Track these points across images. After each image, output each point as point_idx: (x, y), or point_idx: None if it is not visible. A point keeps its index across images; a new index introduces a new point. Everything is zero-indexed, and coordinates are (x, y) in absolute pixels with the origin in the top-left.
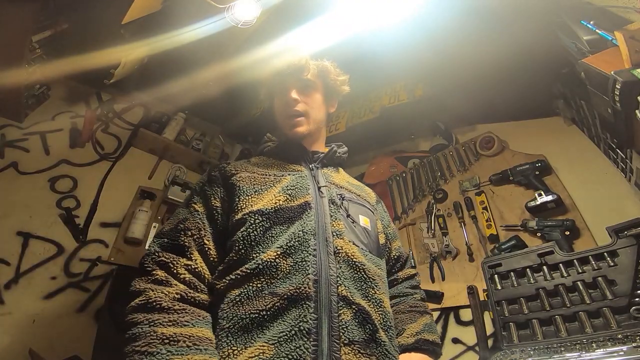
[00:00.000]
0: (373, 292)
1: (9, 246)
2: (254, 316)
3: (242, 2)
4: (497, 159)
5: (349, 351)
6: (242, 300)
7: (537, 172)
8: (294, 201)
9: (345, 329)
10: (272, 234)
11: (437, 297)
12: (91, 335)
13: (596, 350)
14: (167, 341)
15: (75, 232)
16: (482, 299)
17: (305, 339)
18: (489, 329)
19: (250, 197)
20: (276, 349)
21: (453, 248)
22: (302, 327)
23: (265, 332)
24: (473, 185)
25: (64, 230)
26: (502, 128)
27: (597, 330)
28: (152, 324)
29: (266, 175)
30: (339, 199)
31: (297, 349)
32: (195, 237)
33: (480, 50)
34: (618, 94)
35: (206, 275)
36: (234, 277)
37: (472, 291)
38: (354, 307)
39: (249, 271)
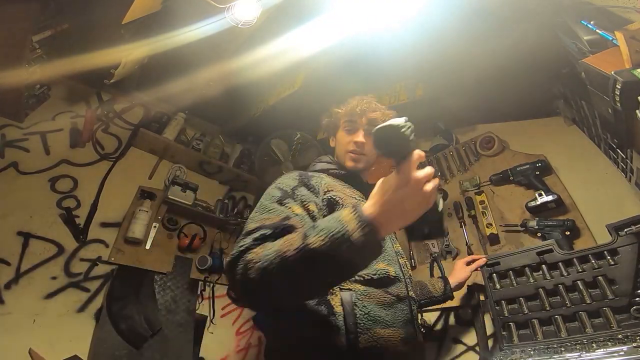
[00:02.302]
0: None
1: (9, 246)
2: (379, 308)
3: (242, 2)
4: (497, 159)
5: (419, 332)
6: (369, 294)
7: (538, 172)
8: None
9: (416, 319)
10: None
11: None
12: (91, 335)
13: (596, 350)
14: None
15: (76, 232)
16: (482, 299)
17: (411, 325)
18: (489, 329)
19: None
20: (404, 332)
21: (453, 248)
22: (408, 318)
23: (392, 321)
24: (473, 185)
25: (64, 230)
26: (502, 128)
27: (598, 330)
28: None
29: (352, 197)
30: None
31: (411, 330)
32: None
33: (480, 50)
34: (618, 94)
35: None
36: (358, 277)
37: (472, 291)
38: (416, 304)
39: (370, 276)
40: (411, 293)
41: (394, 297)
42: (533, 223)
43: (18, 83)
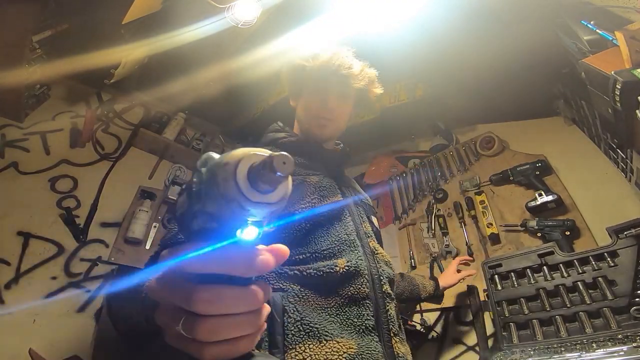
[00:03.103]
0: (394, 287)
1: (9, 246)
2: (321, 314)
3: (242, 2)
4: (497, 159)
5: (397, 340)
6: (307, 296)
7: (538, 172)
8: (325, 202)
9: (392, 322)
10: (314, 236)
11: (437, 297)
12: (91, 335)
13: (596, 351)
14: None
15: (76, 232)
16: (482, 299)
17: (373, 334)
18: (489, 329)
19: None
20: (357, 344)
21: (453, 248)
22: (367, 325)
23: (338, 329)
24: (473, 185)
25: (64, 230)
26: (502, 128)
27: (598, 330)
28: None
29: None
30: (359, 200)
31: (371, 343)
32: None
33: (480, 50)
34: (618, 94)
35: None
36: (294, 273)
37: (472, 291)
38: (393, 302)
39: (310, 271)
40: (386, 288)
41: (343, 298)
42: (533, 223)
43: (18, 83)
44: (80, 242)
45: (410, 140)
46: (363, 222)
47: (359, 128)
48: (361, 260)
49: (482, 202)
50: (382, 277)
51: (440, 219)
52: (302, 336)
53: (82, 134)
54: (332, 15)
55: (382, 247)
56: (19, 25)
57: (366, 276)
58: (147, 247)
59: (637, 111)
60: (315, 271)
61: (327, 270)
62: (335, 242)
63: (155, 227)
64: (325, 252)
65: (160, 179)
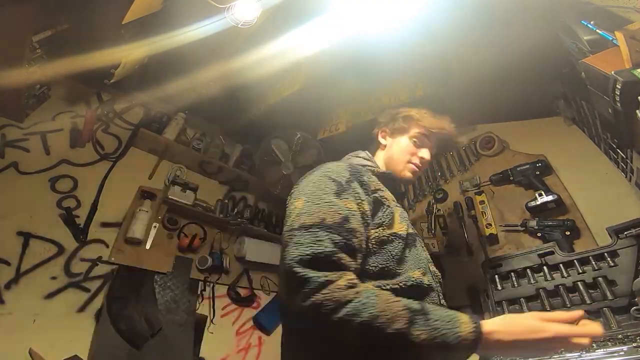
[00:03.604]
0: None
1: (9, 246)
2: None
3: (242, 2)
4: (497, 159)
5: None
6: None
7: (538, 172)
8: (408, 229)
9: None
10: (406, 254)
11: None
12: (91, 335)
13: (596, 350)
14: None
15: (76, 232)
16: (482, 299)
17: None
18: None
19: (393, 218)
20: None
21: (453, 248)
22: None
23: None
24: (473, 185)
25: (64, 230)
26: (502, 128)
27: None
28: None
29: (392, 199)
30: (414, 232)
31: None
32: (361, 238)
33: (480, 50)
34: (618, 94)
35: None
36: (393, 287)
37: (472, 291)
38: None
39: (404, 285)
40: (443, 302)
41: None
42: (533, 223)
43: (18, 83)
44: (80, 242)
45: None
46: (424, 249)
47: (359, 128)
48: (431, 280)
49: (482, 202)
50: (440, 294)
51: (441, 219)
52: None
53: (82, 134)
54: (332, 15)
55: None
56: (19, 25)
57: (436, 292)
58: (147, 247)
59: (637, 111)
60: (406, 283)
61: (414, 283)
62: (420, 261)
63: (155, 227)
64: (413, 268)
65: (161, 179)
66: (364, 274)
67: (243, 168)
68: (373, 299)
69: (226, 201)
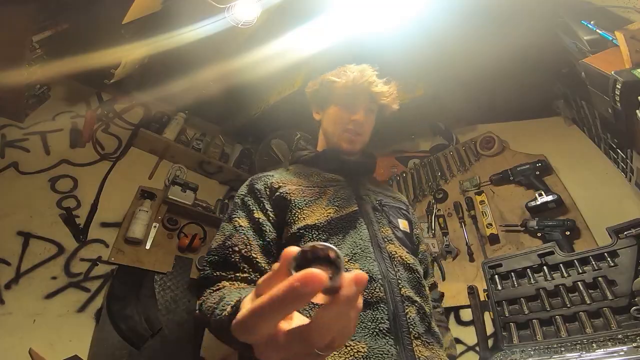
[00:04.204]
0: (423, 289)
1: (9, 246)
2: None
3: (242, 2)
4: (497, 159)
5: (419, 343)
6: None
7: (538, 172)
8: (342, 211)
9: (413, 325)
10: (333, 244)
11: None
12: (91, 335)
13: (596, 351)
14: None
15: (76, 232)
16: (482, 299)
17: (388, 337)
18: (489, 329)
19: (302, 210)
20: (368, 347)
21: (453, 248)
22: (382, 328)
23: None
24: (473, 185)
25: (64, 230)
26: (502, 128)
27: (598, 330)
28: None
29: (311, 187)
30: (379, 206)
31: (385, 346)
32: (243, 251)
33: (480, 50)
34: (618, 94)
35: None
36: None
37: (472, 291)
38: (415, 305)
39: None
40: (405, 291)
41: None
42: (533, 223)
43: (18, 83)
44: (80, 242)
45: (410, 140)
46: (382, 227)
47: None
48: (373, 264)
49: (482, 202)
50: (400, 281)
51: (440, 219)
52: None
53: (82, 134)
54: (332, 15)
55: (408, 249)
56: (19, 25)
57: (380, 280)
58: (147, 247)
59: (637, 111)
60: None
61: None
62: (350, 247)
63: (155, 227)
64: (345, 257)
65: (161, 179)
66: None
67: (243, 168)
68: (209, 296)
69: (226, 201)
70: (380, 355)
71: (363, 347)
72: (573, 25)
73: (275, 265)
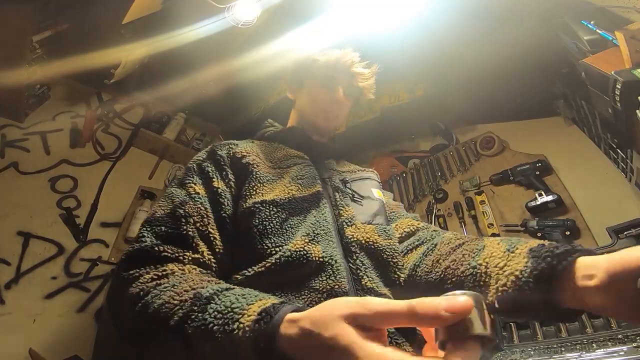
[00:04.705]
0: (396, 274)
1: (9, 246)
2: None
3: (242, 2)
4: (497, 159)
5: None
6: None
7: (538, 172)
8: (305, 191)
9: None
10: (290, 225)
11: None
12: (91, 335)
13: (596, 351)
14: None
15: (76, 232)
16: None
17: None
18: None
19: (262, 185)
20: None
21: None
22: None
23: None
24: (473, 185)
25: (64, 230)
26: (502, 128)
27: (598, 330)
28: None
29: (274, 161)
30: (343, 184)
31: None
32: (198, 224)
33: (480, 50)
34: (618, 93)
35: (214, 269)
36: (260, 269)
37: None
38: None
39: (279, 262)
40: (366, 282)
41: (320, 294)
42: (533, 223)
43: (18, 83)
44: (80, 242)
45: (410, 140)
46: (343, 208)
47: (359, 128)
48: (336, 250)
49: (482, 202)
50: (360, 270)
51: (440, 219)
52: None
53: (83, 134)
54: (332, 15)
55: (384, 219)
56: (19, 25)
57: (342, 267)
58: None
59: (637, 111)
60: (285, 260)
61: (299, 258)
62: (311, 227)
63: None
64: (305, 237)
65: (161, 179)
66: (248, 257)
67: None
68: (163, 289)
69: None
70: None
71: None
72: (573, 25)
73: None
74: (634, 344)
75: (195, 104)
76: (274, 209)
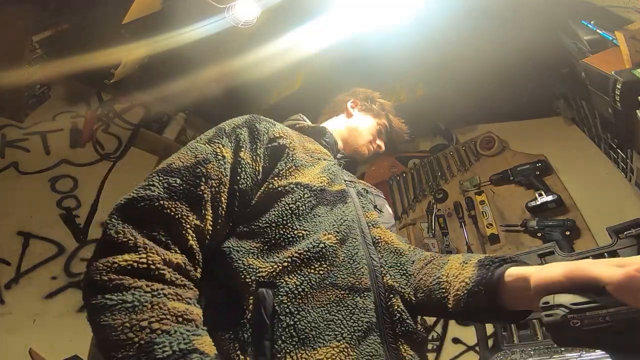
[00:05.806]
0: (411, 278)
1: (9, 246)
2: (319, 312)
3: (242, 2)
4: (497, 159)
5: (404, 342)
6: (306, 292)
7: (538, 172)
8: (333, 186)
9: (398, 321)
10: (317, 213)
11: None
12: (91, 335)
13: (596, 350)
14: (180, 319)
15: (76, 232)
16: None
17: (376, 334)
18: (489, 329)
19: (298, 168)
20: (357, 348)
21: (453, 248)
22: (371, 321)
23: (335, 330)
24: (473, 185)
25: (64, 230)
26: (502, 128)
27: None
28: (157, 294)
29: (307, 150)
30: (364, 192)
31: (373, 345)
32: (214, 189)
33: (480, 50)
34: (618, 93)
35: (205, 243)
36: (289, 260)
37: None
38: (401, 296)
39: (309, 255)
40: (387, 279)
41: (344, 291)
42: (533, 223)
43: (18, 83)
44: (81, 242)
45: (410, 140)
46: (367, 211)
47: None
48: (358, 248)
49: (482, 202)
50: (383, 268)
51: (440, 219)
52: (294, 344)
53: (83, 134)
54: (332, 15)
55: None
56: (19, 25)
57: (365, 265)
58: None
59: (637, 111)
60: (319, 247)
61: (326, 251)
62: (337, 221)
63: None
64: (337, 233)
65: None
66: (242, 237)
67: None
68: (120, 308)
69: None
70: (369, 356)
71: (351, 352)
72: (573, 25)
73: None
74: None
75: (195, 104)
76: (308, 193)
